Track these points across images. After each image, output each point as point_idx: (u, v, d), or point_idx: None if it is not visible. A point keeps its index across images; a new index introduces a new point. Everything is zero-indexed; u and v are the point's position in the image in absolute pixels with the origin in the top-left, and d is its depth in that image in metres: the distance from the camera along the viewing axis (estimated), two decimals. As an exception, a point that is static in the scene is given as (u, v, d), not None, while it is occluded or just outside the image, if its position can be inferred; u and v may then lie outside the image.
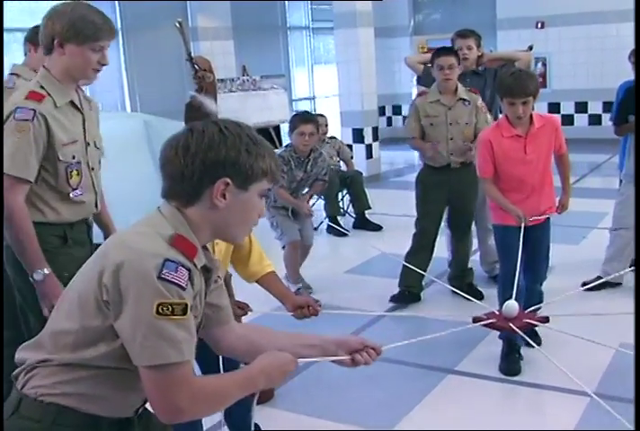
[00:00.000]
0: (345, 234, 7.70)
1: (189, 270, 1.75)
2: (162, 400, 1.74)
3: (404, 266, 5.46)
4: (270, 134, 10.13)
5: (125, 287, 1.70)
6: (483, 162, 4.32)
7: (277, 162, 1.92)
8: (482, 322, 2.85)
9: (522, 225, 4.10)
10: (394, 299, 5.60)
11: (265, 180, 1.88)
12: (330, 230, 7.83)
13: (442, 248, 5.86)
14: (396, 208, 8.28)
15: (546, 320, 2.88)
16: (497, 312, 2.95)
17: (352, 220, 8.17)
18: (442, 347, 4.66)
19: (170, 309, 1.69)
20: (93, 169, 3.14)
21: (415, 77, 6.03)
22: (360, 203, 8.04)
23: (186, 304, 1.72)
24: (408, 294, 5.61)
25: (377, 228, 7.91)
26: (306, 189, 5.88)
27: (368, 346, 2.12)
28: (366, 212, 8.07)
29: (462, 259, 5.74)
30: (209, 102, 4.69)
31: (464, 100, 5.31)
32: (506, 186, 4.29)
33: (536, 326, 2.80)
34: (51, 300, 2.91)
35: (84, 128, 3.09)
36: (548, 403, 3.77)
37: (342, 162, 8.29)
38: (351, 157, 8.73)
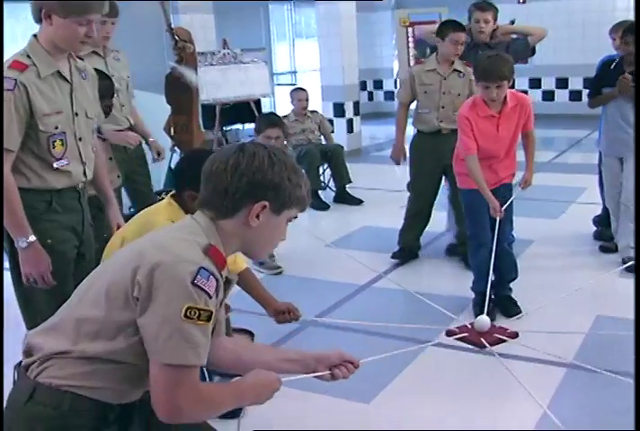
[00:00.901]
0: (326, 208, 7.74)
1: (217, 280, 1.85)
2: (167, 398, 1.80)
3: (402, 225, 5.87)
4: (250, 108, 10.09)
5: (157, 286, 1.78)
6: (467, 139, 4.43)
7: (310, 193, 2.03)
8: (455, 336, 2.90)
9: (497, 219, 4.33)
10: (395, 256, 5.86)
11: (296, 208, 2.00)
12: (310, 203, 7.81)
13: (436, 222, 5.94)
14: (377, 183, 8.31)
15: (515, 335, 2.93)
16: (469, 326, 3.00)
17: (333, 194, 8.17)
18: (422, 320, 4.69)
19: (197, 314, 1.78)
20: (80, 139, 3.13)
21: (428, 49, 6.04)
22: (341, 177, 8.03)
23: (211, 312, 1.82)
24: (407, 251, 5.87)
25: (358, 202, 7.92)
26: None
27: (346, 360, 2.23)
28: (346, 186, 8.07)
29: (463, 230, 5.75)
30: (190, 73, 4.67)
31: (459, 71, 5.53)
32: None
33: (504, 341, 2.86)
34: (32, 268, 2.95)
35: (71, 99, 3.08)
36: (527, 374, 3.79)
37: (322, 137, 8.27)
38: (332, 131, 8.70)
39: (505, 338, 2.85)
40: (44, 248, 3.02)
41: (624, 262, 5.38)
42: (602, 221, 6.07)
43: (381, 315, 4.79)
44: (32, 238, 2.96)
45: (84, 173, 3.19)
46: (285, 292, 4.23)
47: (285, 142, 7.89)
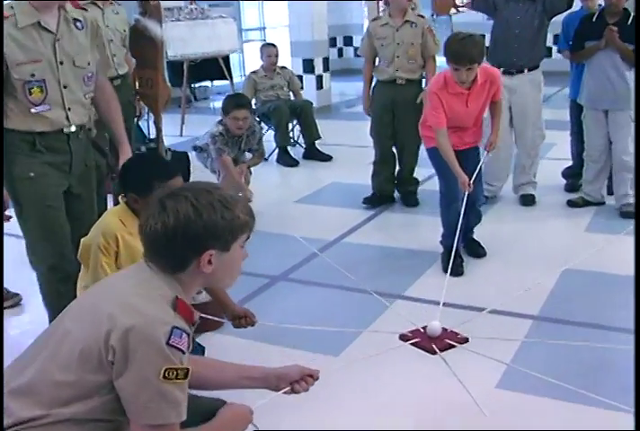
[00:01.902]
0: (295, 164, 7.71)
1: (188, 335, 1.86)
2: None
3: (372, 172, 6.14)
4: (219, 64, 9.98)
5: (133, 350, 1.77)
6: (436, 114, 4.44)
7: (250, 211, 1.98)
8: (409, 341, 2.95)
9: (466, 193, 4.37)
10: (366, 201, 6.11)
11: (244, 234, 1.97)
12: (280, 160, 7.81)
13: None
14: (347, 139, 8.28)
15: (465, 340, 2.99)
16: (422, 330, 3.03)
17: (302, 150, 8.12)
18: (390, 274, 4.71)
19: (175, 374, 1.80)
20: (66, 87, 3.25)
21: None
22: (310, 133, 7.98)
23: (188, 369, 1.83)
24: (380, 195, 6.13)
25: (327, 158, 7.89)
26: (247, 155, 5.96)
27: (305, 374, 2.29)
28: (316, 142, 8.03)
29: (408, 168, 6.12)
30: (154, 26, 4.58)
31: (411, 22, 5.81)
32: None
33: (454, 347, 2.91)
34: None
35: (54, 48, 3.18)
36: (493, 325, 3.83)
37: (291, 93, 8.20)
38: (301, 88, 8.63)
39: (455, 343, 2.92)
40: (28, 181, 3.26)
41: (621, 209, 5.62)
42: (573, 174, 6.18)
43: (350, 270, 4.79)
44: None
45: (67, 118, 3.30)
46: (255, 248, 4.20)
47: (254, 101, 7.88)
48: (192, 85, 11.94)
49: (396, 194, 6.22)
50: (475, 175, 4.48)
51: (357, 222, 5.77)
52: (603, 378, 3.38)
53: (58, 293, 3.44)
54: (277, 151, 7.92)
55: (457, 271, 4.50)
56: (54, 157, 3.33)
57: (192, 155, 6.23)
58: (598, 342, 3.73)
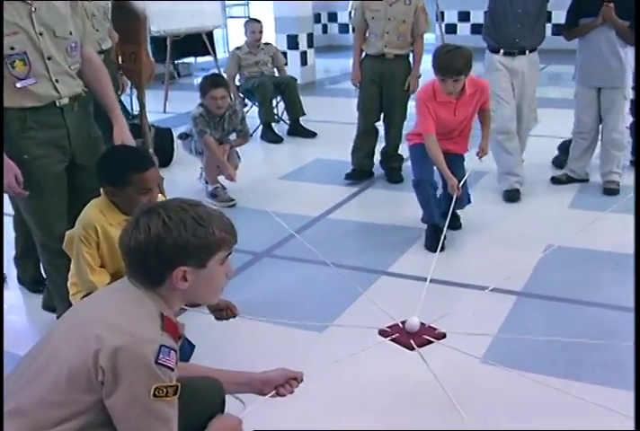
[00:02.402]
0: (279, 141, 7.69)
1: (176, 352, 1.87)
2: None
3: (353, 146, 6.18)
4: (202, 40, 9.92)
5: (122, 369, 1.78)
6: (425, 120, 4.54)
7: (228, 228, 1.99)
8: (388, 338, 2.98)
9: (454, 196, 4.39)
10: (347, 177, 6.14)
11: (222, 250, 1.96)
12: (264, 136, 7.79)
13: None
14: (331, 115, 8.26)
15: (442, 336, 3.02)
16: (401, 325, 3.05)
17: (286, 127, 8.09)
18: (375, 250, 4.72)
19: (165, 392, 1.81)
20: (50, 58, 3.16)
21: None
22: (295, 109, 7.95)
23: (177, 386, 1.85)
24: (360, 171, 6.16)
25: (312, 135, 7.87)
26: (232, 136, 5.91)
27: (290, 377, 2.35)
28: (300, 119, 8.00)
29: (393, 145, 6.14)
30: (137, 0, 4.53)
31: None
32: None
33: (432, 342, 2.94)
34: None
35: (31, 19, 3.08)
36: (477, 301, 3.85)
37: (275, 69, 8.16)
38: (285, 64, 8.59)
39: (433, 339, 2.95)
40: (22, 164, 3.14)
41: (604, 186, 5.66)
42: (566, 149, 6.16)
43: (335, 246, 4.81)
44: None
45: (57, 90, 3.22)
46: (239, 224, 4.19)
47: (238, 77, 7.84)
48: (176, 61, 11.87)
49: (380, 170, 6.22)
50: (461, 183, 4.50)
51: (341, 198, 5.77)
52: (584, 355, 3.41)
53: (53, 266, 3.48)
54: (261, 127, 7.89)
55: (439, 246, 4.45)
56: (48, 133, 3.24)
57: (179, 143, 6.18)
58: (579, 317, 3.77)
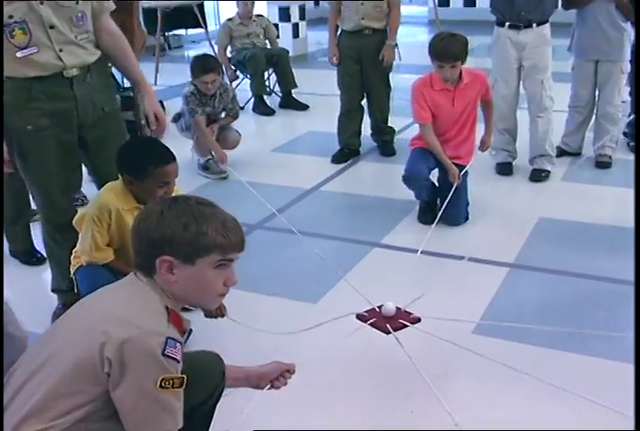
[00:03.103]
0: (271, 113, 7.66)
1: (181, 344, 1.89)
2: None
3: (338, 126, 6.07)
4: (193, 12, 9.84)
5: (129, 361, 1.80)
6: (419, 109, 4.55)
7: (229, 233, 1.96)
8: (368, 322, 3.05)
9: (455, 185, 4.40)
10: (335, 159, 6.01)
11: (214, 253, 1.94)
12: (256, 109, 7.76)
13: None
14: (323, 88, 8.20)
15: (417, 320, 3.08)
16: (378, 310, 3.11)
17: (278, 99, 8.05)
18: (368, 222, 4.73)
19: (171, 383, 1.84)
20: (52, 27, 3.06)
21: None
22: (287, 82, 7.90)
23: (183, 378, 1.87)
24: (348, 150, 6.06)
25: (304, 107, 7.84)
26: (222, 115, 5.87)
27: (283, 370, 2.44)
28: (292, 91, 7.96)
29: (381, 118, 6.06)
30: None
31: None
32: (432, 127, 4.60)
33: (407, 326, 3.03)
34: None
35: None
36: (469, 273, 3.87)
37: (267, 42, 8.10)
38: (277, 36, 8.54)
39: (408, 323, 3.01)
40: (26, 135, 3.14)
41: (597, 159, 5.68)
42: None
43: (328, 218, 4.82)
44: None
45: (61, 60, 3.12)
46: (231, 196, 4.21)
47: (229, 49, 7.78)
48: (166, 33, 11.78)
49: (373, 144, 6.20)
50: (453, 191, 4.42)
51: (334, 170, 5.77)
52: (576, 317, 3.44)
53: (53, 239, 3.48)
54: (253, 100, 7.85)
55: (432, 220, 4.44)
56: (55, 105, 3.16)
57: (172, 126, 6.14)
58: (572, 289, 3.79)
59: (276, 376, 2.43)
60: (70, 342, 1.90)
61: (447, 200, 4.23)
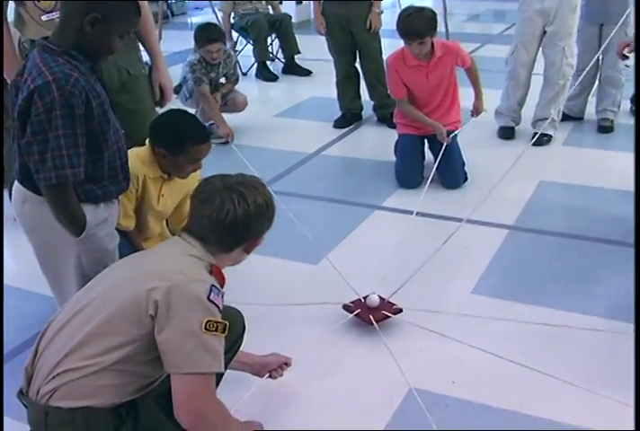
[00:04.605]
0: (274, 79, 7.65)
1: (222, 296, 2.02)
2: (192, 405, 1.92)
3: (337, 92, 6.06)
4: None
5: (175, 304, 1.91)
6: (394, 86, 4.64)
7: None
8: (353, 313, 3.17)
9: (444, 144, 4.48)
10: (337, 123, 6.02)
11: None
12: (259, 74, 7.75)
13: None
14: (326, 54, 8.12)
15: (399, 311, 3.17)
16: (363, 300, 3.21)
17: (281, 65, 8.04)
18: (369, 185, 4.76)
19: (215, 326, 1.94)
20: None
21: None
22: (290, 47, 7.88)
23: (226, 324, 1.97)
24: (349, 115, 6.07)
25: (307, 73, 7.83)
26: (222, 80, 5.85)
27: (282, 362, 2.70)
28: (295, 57, 7.95)
29: (379, 92, 5.91)
30: None
31: None
32: (412, 103, 4.63)
33: (389, 317, 3.14)
34: None
35: None
36: (469, 235, 3.89)
37: (270, 7, 8.07)
38: (280, 2, 8.49)
39: (390, 314, 3.14)
40: None
41: (599, 123, 5.68)
42: None
43: (330, 181, 4.85)
44: None
45: None
46: (234, 161, 4.23)
47: (232, 15, 7.75)
48: (169, 0, 11.72)
49: (375, 117, 6.14)
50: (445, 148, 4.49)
51: (336, 135, 5.79)
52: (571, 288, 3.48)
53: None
54: (256, 66, 7.84)
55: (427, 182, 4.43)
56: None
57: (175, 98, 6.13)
58: (571, 251, 3.83)
59: (275, 367, 2.67)
60: (118, 285, 2.02)
61: (438, 159, 4.36)
